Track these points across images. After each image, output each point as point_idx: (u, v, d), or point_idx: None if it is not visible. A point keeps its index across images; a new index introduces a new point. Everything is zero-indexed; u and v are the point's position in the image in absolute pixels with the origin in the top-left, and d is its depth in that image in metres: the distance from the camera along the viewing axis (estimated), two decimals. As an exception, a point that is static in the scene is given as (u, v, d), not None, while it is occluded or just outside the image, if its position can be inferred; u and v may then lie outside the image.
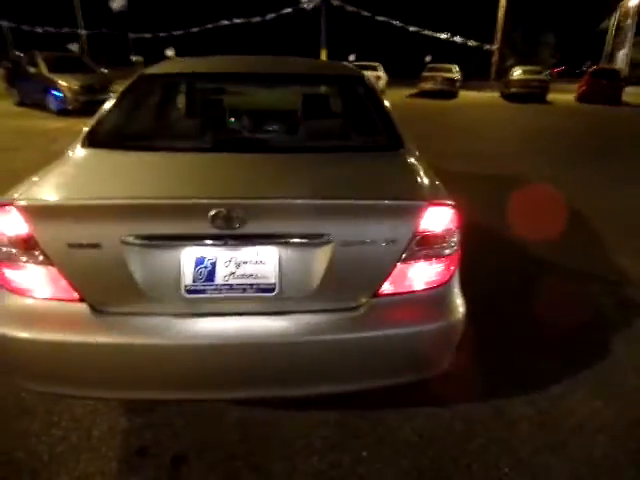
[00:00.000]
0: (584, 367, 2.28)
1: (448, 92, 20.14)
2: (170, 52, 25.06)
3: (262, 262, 1.45)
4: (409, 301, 1.55)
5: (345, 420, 1.93)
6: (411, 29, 27.74)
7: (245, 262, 1.44)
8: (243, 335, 1.44)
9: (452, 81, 20.53)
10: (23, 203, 1.39)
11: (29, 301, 1.46)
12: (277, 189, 1.52)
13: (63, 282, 1.43)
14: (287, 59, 2.66)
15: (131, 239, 1.38)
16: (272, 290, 1.46)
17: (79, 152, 1.85)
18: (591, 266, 3.41)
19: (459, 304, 1.61)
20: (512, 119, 13.56)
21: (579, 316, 2.68)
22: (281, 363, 1.48)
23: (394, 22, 27.58)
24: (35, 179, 1.59)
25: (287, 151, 1.97)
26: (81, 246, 1.39)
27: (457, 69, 21.35)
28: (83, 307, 1.44)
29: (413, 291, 1.54)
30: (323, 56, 23.93)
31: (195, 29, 31.65)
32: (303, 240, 1.43)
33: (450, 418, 1.95)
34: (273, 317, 1.48)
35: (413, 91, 21.45)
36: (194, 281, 1.44)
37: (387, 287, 1.51)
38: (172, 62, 2.48)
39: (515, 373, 2.24)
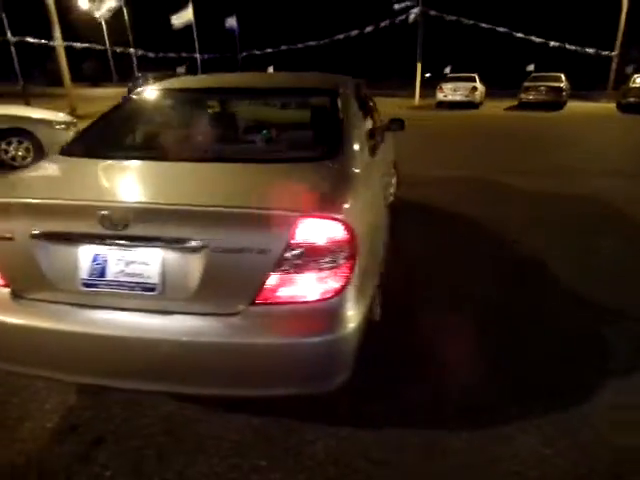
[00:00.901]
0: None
1: (553, 103, 18.68)
2: (270, 69, 26.68)
3: (146, 263, 1.55)
4: (290, 312, 1.53)
5: (265, 427, 1.94)
6: (518, 35, 26.03)
7: (133, 262, 1.56)
8: (127, 329, 1.55)
9: (558, 91, 18.99)
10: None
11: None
12: (165, 195, 1.62)
13: None
14: (273, 75, 2.78)
15: (37, 234, 1.57)
16: (154, 290, 1.55)
17: (50, 159, 2.13)
18: None
19: (349, 320, 1.55)
20: (626, 131, 12.16)
21: None
22: (160, 360, 1.56)
23: (499, 29, 26.12)
24: None
25: (220, 161, 2.05)
26: (2, 238, 1.62)
27: (564, 78, 19.70)
28: (5, 291, 1.67)
29: (293, 302, 1.53)
30: (418, 70, 23.55)
31: (300, 45, 33.29)
32: (179, 245, 1.51)
33: (370, 443, 1.86)
34: (155, 315, 1.57)
35: (514, 103, 20.20)
36: (89, 276, 1.59)
37: (264, 296, 1.52)
38: (165, 81, 2.72)
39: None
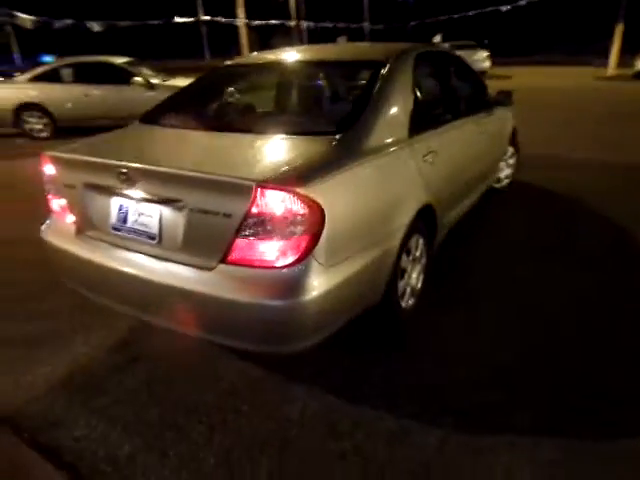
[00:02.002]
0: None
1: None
2: (437, 38, 25.38)
3: (150, 216, 1.83)
4: (252, 275, 1.65)
5: (259, 379, 2.13)
6: None
7: (142, 214, 1.86)
8: (136, 268, 1.87)
9: None
10: (49, 153, 2.15)
11: (59, 221, 2.24)
12: (167, 160, 1.85)
13: (67, 211, 2.15)
14: (332, 47, 2.78)
15: (86, 185, 1.98)
16: (155, 238, 1.83)
17: (130, 125, 2.57)
18: None
19: (308, 289, 1.61)
20: None
21: None
22: (151, 296, 1.85)
23: None
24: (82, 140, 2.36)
25: (234, 131, 2.25)
26: (67, 186, 2.07)
27: None
28: (73, 228, 2.14)
29: (255, 266, 1.64)
30: (618, 33, 19.64)
31: (471, 12, 30.94)
32: (170, 203, 1.74)
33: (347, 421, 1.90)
34: (154, 260, 1.85)
35: None
36: (117, 221, 1.94)
37: (232, 257, 1.66)
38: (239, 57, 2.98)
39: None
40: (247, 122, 2.57)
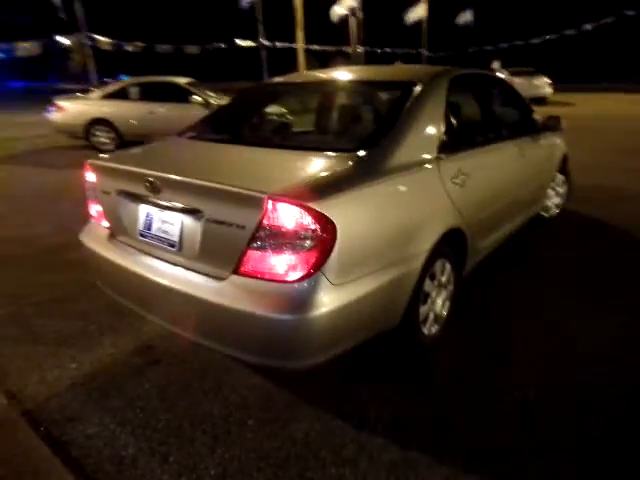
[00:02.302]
0: None
1: None
2: (495, 64, 24.89)
3: (172, 224, 1.89)
4: (262, 288, 1.65)
5: (271, 394, 2.11)
6: None
7: (165, 222, 1.92)
8: (155, 273, 1.93)
9: None
10: (90, 161, 2.29)
11: (96, 226, 2.36)
12: (189, 171, 1.90)
13: (103, 216, 2.27)
14: (364, 69, 2.82)
15: (119, 191, 2.08)
16: (175, 246, 1.88)
17: (169, 138, 2.69)
18: None
19: (316, 305, 1.59)
20: None
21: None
22: (167, 301, 1.90)
23: None
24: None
25: (267, 146, 2.28)
26: (103, 192, 2.19)
27: None
28: (107, 232, 2.26)
29: (268, 278, 1.64)
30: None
31: (536, 40, 30.31)
32: (189, 212, 1.79)
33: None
34: (172, 266, 1.90)
35: None
36: (143, 228, 2.02)
37: (244, 268, 1.68)
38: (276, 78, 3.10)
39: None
40: (275, 137, 2.63)
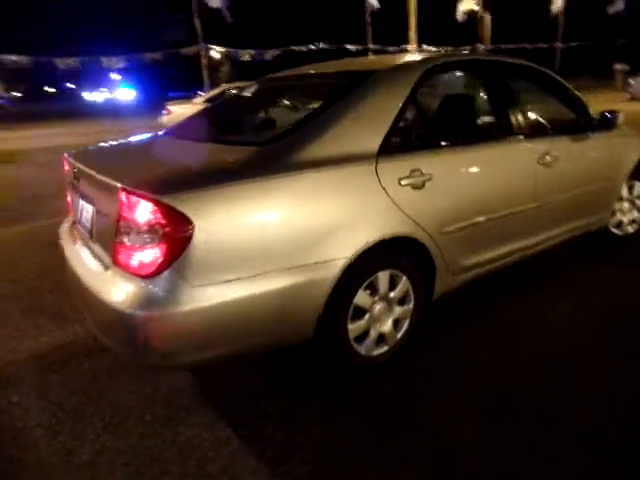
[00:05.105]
0: None
1: None
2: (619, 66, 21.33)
3: (89, 212, 1.98)
4: (127, 280, 1.63)
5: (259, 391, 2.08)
6: None
7: (86, 210, 2.02)
8: (78, 261, 2.03)
9: None
10: (65, 154, 2.49)
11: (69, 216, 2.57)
12: (105, 163, 1.96)
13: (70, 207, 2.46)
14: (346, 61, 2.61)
15: (69, 182, 2.24)
16: (90, 234, 1.97)
17: (154, 135, 2.80)
18: None
19: (167, 303, 1.53)
20: None
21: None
22: (79, 291, 1.97)
23: None
24: None
25: (209, 142, 2.26)
26: (68, 183, 2.37)
27: None
28: (70, 222, 2.44)
29: (132, 272, 1.62)
30: None
31: None
32: (90, 202, 1.86)
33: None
34: (90, 255, 1.97)
35: None
36: (78, 217, 2.15)
37: (115, 258, 1.67)
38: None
39: None
40: (224, 132, 2.56)
